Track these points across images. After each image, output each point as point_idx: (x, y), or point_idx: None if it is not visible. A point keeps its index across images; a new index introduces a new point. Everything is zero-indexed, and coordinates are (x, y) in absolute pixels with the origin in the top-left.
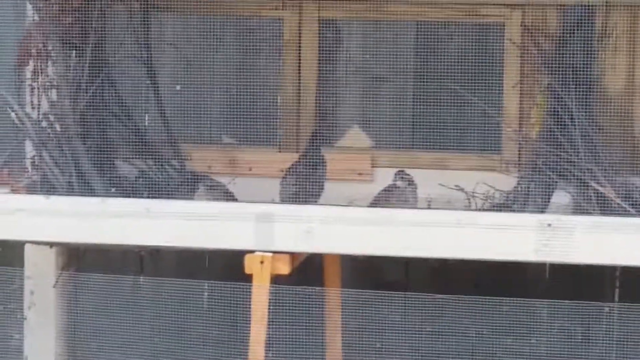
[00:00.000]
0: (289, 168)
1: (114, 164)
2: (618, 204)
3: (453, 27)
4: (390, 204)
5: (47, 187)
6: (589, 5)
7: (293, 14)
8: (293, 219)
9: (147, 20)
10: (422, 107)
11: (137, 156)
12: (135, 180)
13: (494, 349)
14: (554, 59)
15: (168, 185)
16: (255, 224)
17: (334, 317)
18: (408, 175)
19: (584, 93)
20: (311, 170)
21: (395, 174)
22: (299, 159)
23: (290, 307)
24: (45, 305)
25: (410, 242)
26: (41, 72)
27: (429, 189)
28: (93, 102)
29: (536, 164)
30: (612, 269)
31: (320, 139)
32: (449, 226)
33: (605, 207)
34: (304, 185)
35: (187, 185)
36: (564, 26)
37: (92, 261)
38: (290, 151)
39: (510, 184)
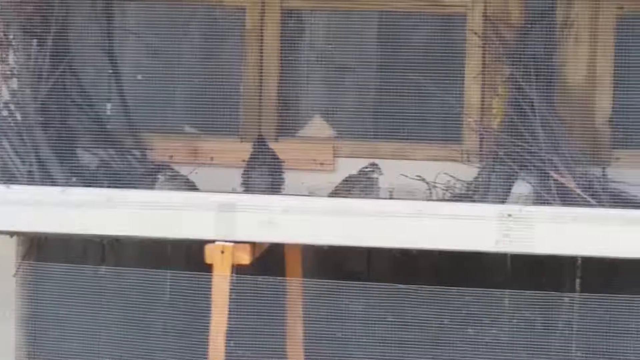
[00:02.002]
0: (247, 167)
1: (75, 153)
2: (578, 194)
3: (416, 18)
4: (354, 193)
5: (7, 177)
6: None
7: (255, 3)
8: (255, 208)
9: (110, 9)
10: (384, 97)
11: (99, 145)
12: (96, 170)
13: (456, 338)
14: (515, 49)
15: (129, 174)
16: (217, 214)
17: (295, 307)
18: (379, 169)
19: (545, 84)
20: (271, 164)
21: (371, 165)
22: (254, 157)
23: (252, 297)
24: (5, 294)
25: (371, 232)
26: (2, 61)
27: (391, 179)
28: (54, 91)
29: (497, 155)
30: (572, 259)
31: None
32: (410, 216)
33: (565, 198)
34: (268, 180)
35: (148, 175)
36: (525, 17)
37: (53, 250)
38: (252, 141)
39: (471, 174)
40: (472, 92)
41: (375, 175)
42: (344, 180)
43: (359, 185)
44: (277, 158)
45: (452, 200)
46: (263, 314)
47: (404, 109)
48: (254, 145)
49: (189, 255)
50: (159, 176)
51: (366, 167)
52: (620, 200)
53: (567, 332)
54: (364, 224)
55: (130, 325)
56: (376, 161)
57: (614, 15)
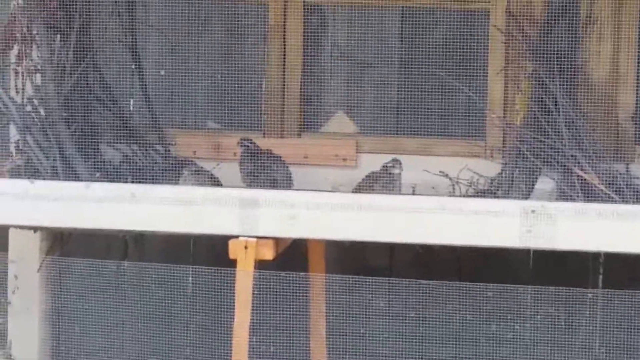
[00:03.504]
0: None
1: (98, 149)
2: (602, 190)
3: (438, 14)
4: (376, 189)
5: (31, 172)
6: None
7: None
8: (278, 204)
9: (132, 5)
10: (407, 93)
11: (122, 141)
12: (120, 165)
13: (478, 334)
14: (538, 45)
15: (152, 170)
16: (240, 210)
17: (318, 303)
18: (400, 165)
19: (569, 80)
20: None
21: (393, 161)
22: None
23: (275, 293)
24: (30, 289)
25: (394, 227)
26: (25, 56)
27: (414, 175)
28: (77, 87)
29: (520, 151)
30: (595, 255)
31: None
32: (433, 212)
33: (588, 194)
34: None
35: (171, 170)
36: (548, 13)
37: (76, 246)
38: (275, 136)
39: (494, 170)
40: (495, 88)
41: (396, 171)
42: (366, 177)
43: (381, 181)
44: (271, 154)
45: (475, 196)
46: (286, 309)
47: (427, 105)
48: (242, 146)
49: (212, 251)
50: (184, 171)
51: (388, 163)
52: None
53: (589, 328)
54: (387, 219)
55: (153, 320)
56: (399, 157)
57: (636, 11)
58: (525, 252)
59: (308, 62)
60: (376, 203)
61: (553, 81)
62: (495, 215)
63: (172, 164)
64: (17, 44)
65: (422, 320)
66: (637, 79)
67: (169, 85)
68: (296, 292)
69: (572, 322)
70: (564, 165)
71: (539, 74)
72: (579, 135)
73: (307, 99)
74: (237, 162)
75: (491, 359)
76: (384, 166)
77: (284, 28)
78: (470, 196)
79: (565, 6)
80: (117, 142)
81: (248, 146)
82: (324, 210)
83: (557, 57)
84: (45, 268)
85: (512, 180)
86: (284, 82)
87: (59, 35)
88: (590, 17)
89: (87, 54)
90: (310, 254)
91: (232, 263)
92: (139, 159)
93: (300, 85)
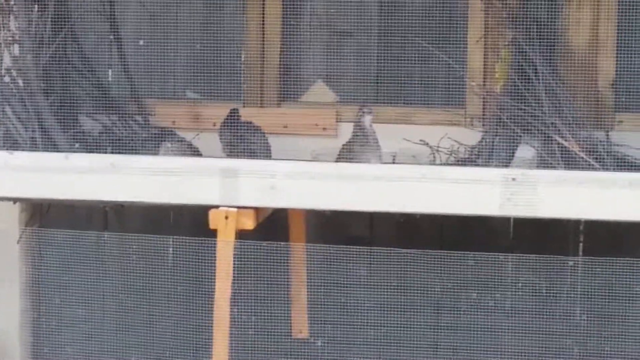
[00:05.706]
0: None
1: (77, 120)
2: (582, 158)
3: None
4: (354, 150)
5: (10, 143)
6: None
7: None
8: (258, 174)
9: None
10: (386, 61)
11: (101, 111)
12: (99, 136)
13: (459, 303)
14: (518, 12)
15: (132, 140)
16: (220, 179)
17: (299, 272)
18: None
19: (548, 47)
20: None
21: (360, 110)
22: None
23: (256, 263)
24: (10, 261)
25: (375, 196)
26: (3, 27)
27: (394, 144)
28: (56, 57)
29: (500, 119)
30: (575, 223)
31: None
32: (413, 181)
33: (569, 162)
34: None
35: (151, 140)
36: None
37: (56, 217)
38: (254, 106)
39: (474, 139)
40: (474, 56)
41: (366, 120)
42: (344, 144)
43: (357, 141)
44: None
45: (456, 165)
46: (267, 279)
47: (407, 74)
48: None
49: (192, 221)
50: (164, 142)
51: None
52: (624, 164)
53: (570, 295)
54: (367, 188)
55: (134, 290)
56: (379, 126)
57: None
58: (507, 220)
59: (287, 31)
60: (357, 172)
61: (532, 49)
62: (476, 184)
63: (151, 134)
64: None
65: (404, 289)
66: (617, 46)
67: (147, 55)
68: (277, 262)
69: (553, 289)
70: (544, 133)
71: (519, 42)
72: (559, 103)
73: (286, 69)
74: (217, 132)
75: (472, 327)
76: (355, 122)
77: None
78: (451, 164)
79: None
80: (96, 113)
81: (230, 117)
82: (305, 179)
83: (537, 25)
84: (25, 239)
85: (493, 149)
86: (263, 51)
87: (36, 6)
88: None
89: (65, 24)
90: (291, 223)
91: (213, 233)
92: (119, 130)
93: (280, 54)
